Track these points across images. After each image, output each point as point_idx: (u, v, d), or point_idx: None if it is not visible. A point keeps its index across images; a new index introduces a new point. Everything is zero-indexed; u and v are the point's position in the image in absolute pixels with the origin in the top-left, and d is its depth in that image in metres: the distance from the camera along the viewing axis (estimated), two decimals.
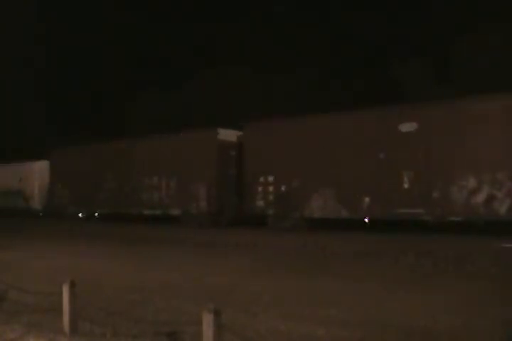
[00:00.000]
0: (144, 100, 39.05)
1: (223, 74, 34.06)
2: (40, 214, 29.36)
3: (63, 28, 46.93)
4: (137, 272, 9.13)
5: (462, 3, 30.90)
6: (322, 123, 16.84)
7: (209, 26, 41.65)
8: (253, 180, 18.21)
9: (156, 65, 46.04)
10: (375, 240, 13.49)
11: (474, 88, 18.30)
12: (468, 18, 29.16)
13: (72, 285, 5.18)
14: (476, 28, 27.23)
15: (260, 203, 18.09)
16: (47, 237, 16.45)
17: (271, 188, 17.85)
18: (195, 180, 19.86)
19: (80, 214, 25.83)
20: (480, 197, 13.56)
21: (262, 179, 18.02)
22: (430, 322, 5.34)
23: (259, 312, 5.82)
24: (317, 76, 32.17)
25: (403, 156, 14.83)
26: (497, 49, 26.50)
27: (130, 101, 39.95)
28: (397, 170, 14.91)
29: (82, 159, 25.07)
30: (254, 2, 42.54)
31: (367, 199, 15.49)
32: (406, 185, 14.80)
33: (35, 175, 29.12)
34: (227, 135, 19.71)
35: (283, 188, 17.52)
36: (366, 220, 16.24)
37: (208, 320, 3.66)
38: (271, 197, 17.87)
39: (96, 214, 25.26)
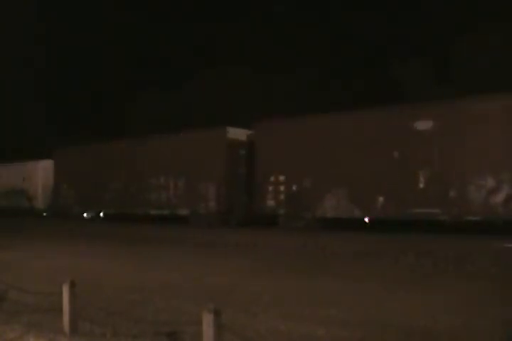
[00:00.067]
0: (144, 100, 39.08)
1: (223, 74, 34.09)
2: (44, 214, 29.18)
3: (63, 28, 47.11)
4: (137, 272, 9.12)
5: (462, 3, 30.99)
6: (334, 123, 16.67)
7: (209, 26, 41.75)
8: (264, 180, 18.04)
9: (156, 65, 46.17)
10: (375, 240, 13.47)
11: (474, 88, 18.31)
12: (468, 18, 29.23)
13: (72, 285, 5.18)
14: (476, 28, 27.28)
15: (271, 203, 17.92)
16: (47, 237, 16.43)
17: (282, 188, 17.68)
18: (204, 179, 19.65)
19: (85, 215, 25.77)
20: (499, 197, 13.41)
21: (272, 178, 17.85)
22: (430, 322, 5.34)
23: (259, 312, 5.82)
24: (317, 76, 32.20)
25: (419, 155, 14.63)
26: (497, 49, 26.52)
27: (130, 101, 40.02)
28: (412, 169, 14.72)
29: (87, 159, 24.92)
30: (254, 2, 42.63)
31: (381, 199, 15.30)
32: (421, 185, 14.58)
33: (38, 175, 28.93)
34: (237, 134, 19.53)
35: (294, 188, 17.37)
36: (366, 220, 16.20)
37: (208, 320, 3.66)
38: (282, 197, 17.70)
39: (101, 215, 25.21)
